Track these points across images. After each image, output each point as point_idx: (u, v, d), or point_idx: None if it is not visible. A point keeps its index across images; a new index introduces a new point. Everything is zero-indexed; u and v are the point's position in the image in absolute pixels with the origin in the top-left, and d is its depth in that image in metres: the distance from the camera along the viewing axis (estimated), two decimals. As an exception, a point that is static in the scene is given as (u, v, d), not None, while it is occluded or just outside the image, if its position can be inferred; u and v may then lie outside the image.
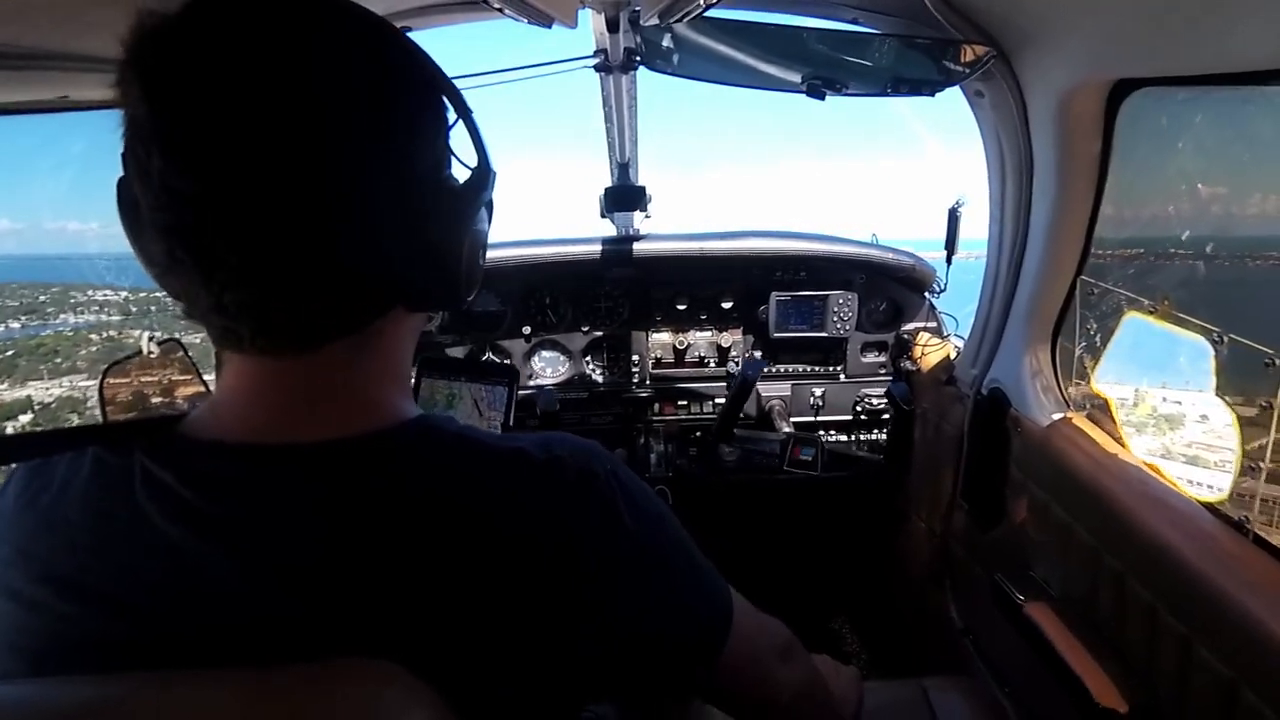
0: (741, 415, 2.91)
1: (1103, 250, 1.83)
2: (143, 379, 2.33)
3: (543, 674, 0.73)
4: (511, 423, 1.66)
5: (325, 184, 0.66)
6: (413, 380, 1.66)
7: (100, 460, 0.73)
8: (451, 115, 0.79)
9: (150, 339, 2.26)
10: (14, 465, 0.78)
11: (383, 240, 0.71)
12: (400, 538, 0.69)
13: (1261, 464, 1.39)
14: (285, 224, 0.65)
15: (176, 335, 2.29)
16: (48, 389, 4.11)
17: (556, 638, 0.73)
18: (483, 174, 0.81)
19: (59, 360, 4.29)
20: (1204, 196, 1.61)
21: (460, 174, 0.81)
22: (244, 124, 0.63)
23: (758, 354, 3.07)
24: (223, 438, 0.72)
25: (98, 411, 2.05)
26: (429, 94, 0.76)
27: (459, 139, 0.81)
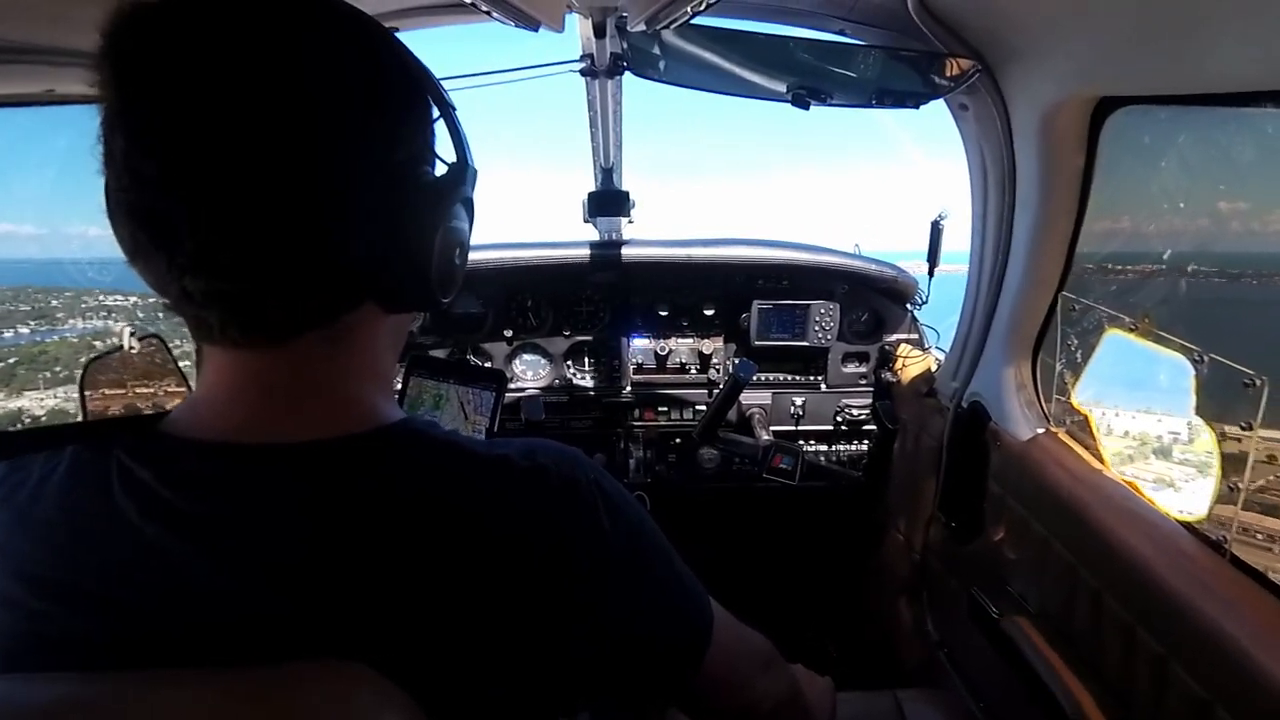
0: (723, 421, 2.91)
1: (1085, 265, 1.84)
2: (123, 376, 2.30)
3: (534, 675, 0.73)
4: (496, 428, 1.65)
5: (284, 168, 0.65)
6: (400, 378, 1.65)
7: (78, 458, 0.72)
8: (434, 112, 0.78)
9: (131, 334, 2.24)
10: None
11: (345, 229, 0.69)
12: (391, 537, 0.69)
13: (1240, 484, 1.39)
14: (241, 208, 0.64)
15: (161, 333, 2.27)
16: (42, 400, 4.06)
17: (549, 638, 0.73)
18: (459, 170, 0.80)
19: (58, 369, 4.24)
20: (1186, 214, 1.61)
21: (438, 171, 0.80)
22: (204, 105, 0.62)
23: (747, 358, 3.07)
24: (202, 436, 0.71)
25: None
26: (399, 84, 0.75)
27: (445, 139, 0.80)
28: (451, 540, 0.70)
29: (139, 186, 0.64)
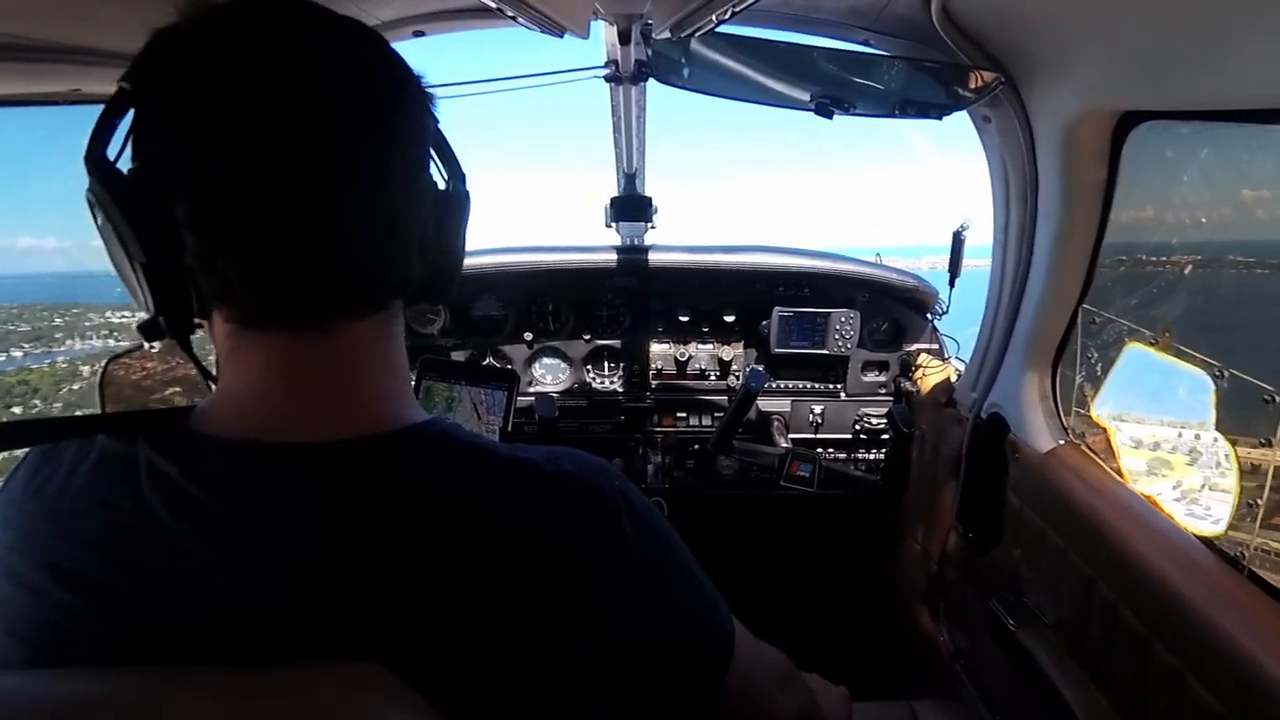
0: (740, 430, 2.91)
1: (1105, 278, 1.83)
2: (143, 372, 2.32)
3: (533, 674, 0.73)
4: (510, 428, 1.65)
5: (359, 180, 0.71)
6: (413, 382, 1.66)
7: (106, 451, 0.73)
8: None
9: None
10: (24, 451, 0.78)
11: (399, 232, 0.76)
12: (400, 537, 0.70)
13: (1259, 501, 1.38)
14: (319, 214, 0.69)
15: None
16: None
17: (548, 638, 0.73)
18: (462, 174, 0.86)
19: (35, 401, 4.06)
20: (1208, 228, 1.60)
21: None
22: (286, 119, 0.66)
23: (760, 366, 3.06)
24: (229, 434, 0.73)
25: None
26: (420, 92, 0.79)
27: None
28: (459, 540, 0.71)
29: (216, 194, 0.68)
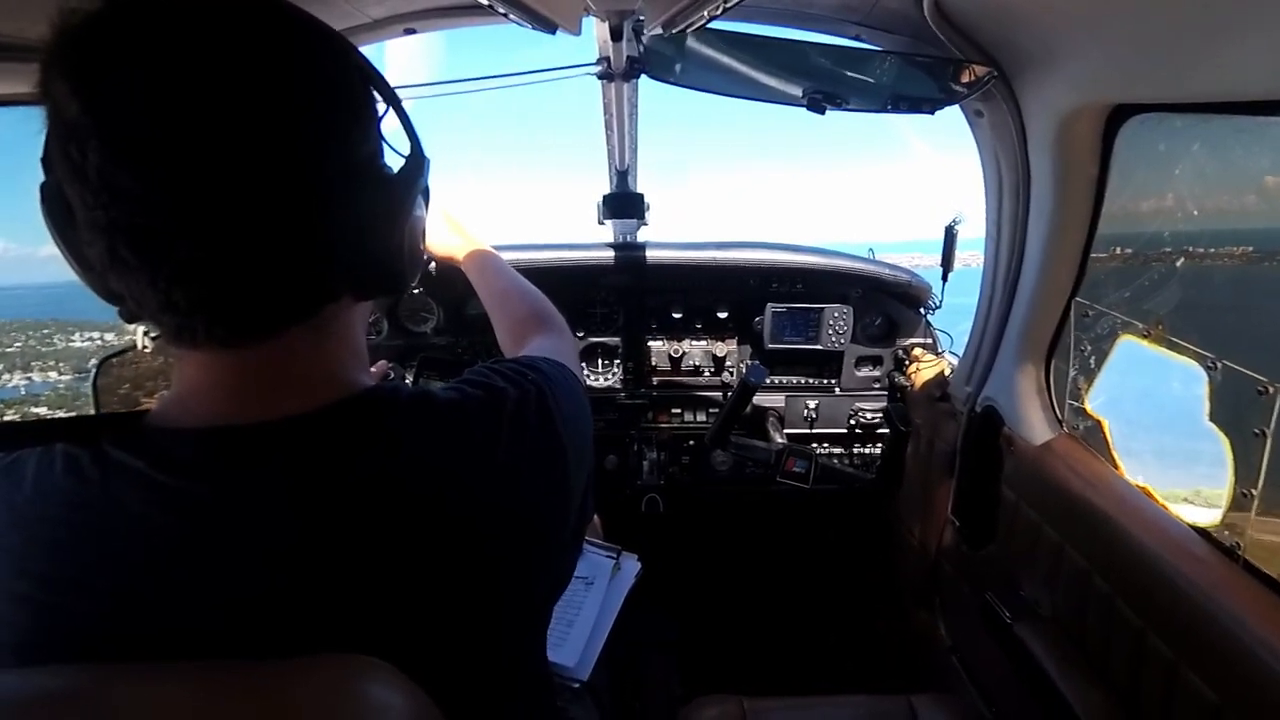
0: (736, 425, 2.91)
1: (1097, 270, 1.83)
2: (137, 372, 2.32)
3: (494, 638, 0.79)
4: None
5: (265, 173, 0.66)
6: (411, 378, 1.67)
7: (70, 456, 0.73)
8: (381, 106, 0.80)
9: (144, 334, 2.26)
10: None
11: (323, 227, 0.72)
12: (358, 516, 0.72)
13: (1253, 491, 1.39)
14: (228, 217, 0.66)
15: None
16: None
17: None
18: (417, 162, 0.83)
19: None
20: (1200, 221, 1.61)
21: (395, 164, 0.83)
22: (186, 117, 0.63)
23: (759, 361, 3.06)
24: (192, 425, 0.73)
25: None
26: (356, 82, 0.77)
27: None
28: (411, 524, 0.74)
29: (119, 202, 0.63)
